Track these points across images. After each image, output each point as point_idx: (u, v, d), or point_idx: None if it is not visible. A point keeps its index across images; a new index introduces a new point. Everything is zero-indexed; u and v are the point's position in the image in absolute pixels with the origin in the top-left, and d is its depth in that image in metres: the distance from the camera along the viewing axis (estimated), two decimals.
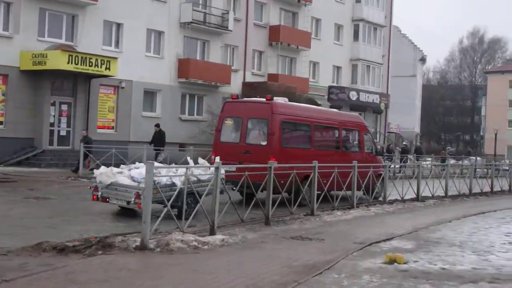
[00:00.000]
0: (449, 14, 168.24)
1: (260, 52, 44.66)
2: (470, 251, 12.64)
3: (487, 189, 29.63)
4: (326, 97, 49.53)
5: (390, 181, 22.45)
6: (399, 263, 10.89)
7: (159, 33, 37.58)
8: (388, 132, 60.66)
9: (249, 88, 41.25)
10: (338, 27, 52.02)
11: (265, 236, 13.33)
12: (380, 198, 22.12)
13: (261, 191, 16.36)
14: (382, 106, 54.60)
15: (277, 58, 45.45)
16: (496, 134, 70.53)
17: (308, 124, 21.59)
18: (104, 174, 15.39)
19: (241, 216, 14.73)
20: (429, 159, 51.11)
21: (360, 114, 52.27)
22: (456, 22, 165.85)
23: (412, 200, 23.10)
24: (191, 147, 31.85)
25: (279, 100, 21.15)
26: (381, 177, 22.31)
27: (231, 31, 40.80)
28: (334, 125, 22.98)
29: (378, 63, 54.74)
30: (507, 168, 36.84)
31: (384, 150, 46.13)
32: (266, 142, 20.06)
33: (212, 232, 12.76)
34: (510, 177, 32.35)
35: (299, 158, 19.90)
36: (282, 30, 45.20)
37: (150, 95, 37.30)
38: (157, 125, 32.93)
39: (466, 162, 46.91)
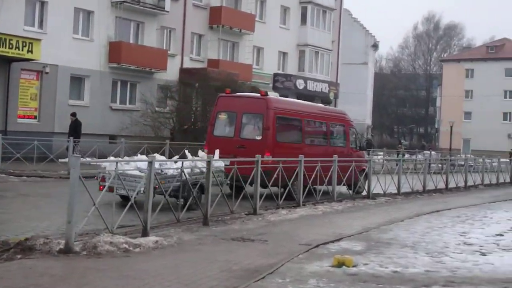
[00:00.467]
0: None
1: (200, 36, 44.44)
2: (423, 253, 12.75)
3: (441, 185, 29.94)
4: (271, 85, 49.50)
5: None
6: (348, 266, 10.92)
7: (88, 13, 37.01)
8: None
9: (187, 75, 41.21)
10: (285, 10, 52.18)
11: (202, 237, 13.26)
12: (364, 193, 23.93)
13: (250, 184, 18.05)
14: (331, 95, 54.85)
15: (218, 42, 45.23)
16: (451, 127, 70.94)
17: (299, 119, 23.67)
18: (111, 164, 16.27)
19: (177, 216, 14.59)
20: (381, 153, 51.56)
21: None
22: (412, 6, 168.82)
23: (363, 197, 23.35)
24: (123, 139, 31.49)
25: (273, 95, 23.14)
26: (364, 172, 24.37)
27: (167, 12, 40.45)
28: (322, 120, 25.13)
29: (327, 49, 55.08)
30: (462, 163, 37.40)
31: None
32: (261, 137, 22.01)
33: (144, 234, 12.61)
34: (466, 173, 32.78)
35: (292, 153, 21.25)
36: (224, 12, 45.01)
37: (77, 81, 36.70)
38: (73, 114, 32.41)
39: (420, 157, 47.59)
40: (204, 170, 16.25)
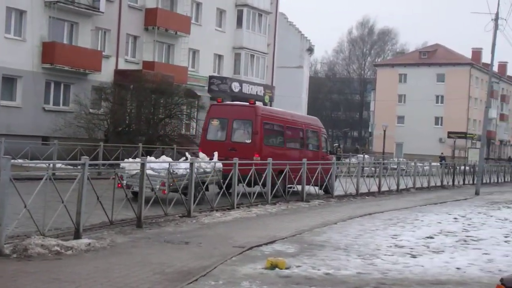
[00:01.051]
0: (339, 2, 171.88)
1: (135, 37, 43.98)
2: (355, 255, 12.91)
3: (374, 188, 30.33)
4: (207, 88, 49.51)
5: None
6: (281, 268, 10.99)
7: (21, 12, 36.29)
8: None
9: (122, 77, 40.81)
10: (221, 12, 51.97)
11: (136, 239, 13.21)
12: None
13: (247, 184, 21.33)
14: (267, 99, 54.90)
15: (153, 44, 44.81)
16: (385, 131, 71.78)
17: (282, 125, 26.99)
18: (131, 164, 19.39)
19: (110, 218, 14.39)
20: None
21: None
22: (347, 11, 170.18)
23: (297, 200, 23.44)
24: (56, 141, 30.80)
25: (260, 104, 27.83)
26: (329, 173, 27.13)
27: (102, 13, 39.92)
28: (300, 127, 28.46)
29: (262, 53, 55.11)
30: (395, 166, 37.83)
31: None
32: (250, 140, 25.07)
33: (77, 236, 12.46)
34: (398, 177, 33.15)
35: (276, 155, 24.70)
36: (159, 14, 44.57)
37: (9, 81, 35.92)
38: None
39: (353, 160, 47.79)
40: (207, 170, 20.18)
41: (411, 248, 14.14)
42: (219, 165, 21.15)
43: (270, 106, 55.75)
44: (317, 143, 29.48)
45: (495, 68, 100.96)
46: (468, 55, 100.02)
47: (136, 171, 17.52)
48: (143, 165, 15.55)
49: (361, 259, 12.51)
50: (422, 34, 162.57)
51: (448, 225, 18.81)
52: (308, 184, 24.82)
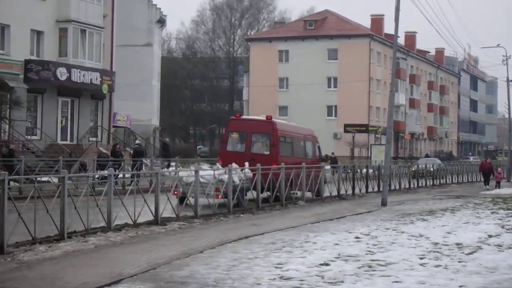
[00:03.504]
0: None
1: None
2: None
3: (252, 204, 30.37)
4: (22, 76, 48.30)
5: (117, 198, 22.35)
6: None
7: None
8: (114, 126, 60.45)
9: None
10: None
11: None
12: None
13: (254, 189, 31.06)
14: (105, 88, 53.92)
15: None
16: None
17: (291, 137, 37.98)
18: (186, 173, 29.21)
19: None
20: (174, 163, 50.38)
21: (73, 100, 52.53)
22: None
23: (149, 223, 23.30)
24: None
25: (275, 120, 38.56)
26: (319, 178, 36.98)
27: None
28: (303, 138, 40.00)
29: (97, 27, 54.23)
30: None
31: (110, 154, 47.25)
32: (268, 152, 35.49)
33: None
34: (282, 186, 32.51)
35: (288, 164, 33.91)
36: None
37: None
38: None
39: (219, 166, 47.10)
40: (245, 178, 30.48)
41: (301, 280, 14.25)
42: (248, 172, 31.25)
43: (109, 98, 56.59)
44: (313, 152, 41.02)
45: (401, 41, 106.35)
46: (367, 24, 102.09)
47: (192, 179, 27.11)
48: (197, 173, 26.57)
49: None
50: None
51: (348, 246, 19.15)
52: (298, 189, 35.10)
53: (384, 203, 34.76)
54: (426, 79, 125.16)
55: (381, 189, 39.58)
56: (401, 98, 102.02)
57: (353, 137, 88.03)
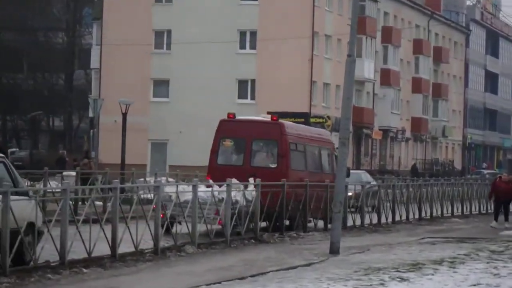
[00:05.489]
0: None
1: None
2: None
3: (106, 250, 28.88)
4: None
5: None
6: None
7: None
8: None
9: None
10: None
11: None
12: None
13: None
14: None
15: None
16: (125, 115, 60.72)
17: (304, 144, 38.43)
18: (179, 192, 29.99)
19: None
20: None
21: None
22: None
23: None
24: None
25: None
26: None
27: None
28: (317, 145, 40.50)
29: None
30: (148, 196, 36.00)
31: None
32: (276, 165, 36.05)
33: None
34: (158, 222, 31.43)
35: (301, 181, 36.11)
36: None
37: None
38: None
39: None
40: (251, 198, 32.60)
41: None
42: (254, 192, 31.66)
43: None
44: (330, 164, 40.93)
45: None
46: None
47: (185, 198, 29.54)
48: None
49: None
50: None
51: None
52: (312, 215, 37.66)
53: (335, 250, 31.70)
54: (411, 36, 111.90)
55: (330, 225, 36.74)
56: (368, 69, 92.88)
57: None
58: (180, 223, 32.61)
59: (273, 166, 35.50)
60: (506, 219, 46.54)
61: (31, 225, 25.05)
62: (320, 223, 40.45)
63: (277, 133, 35.50)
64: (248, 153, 36.65)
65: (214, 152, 37.10)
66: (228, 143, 37.05)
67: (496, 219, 46.35)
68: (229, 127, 37.61)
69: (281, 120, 37.44)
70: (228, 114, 38.39)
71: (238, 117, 40.62)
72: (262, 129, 36.21)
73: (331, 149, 42.09)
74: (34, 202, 26.51)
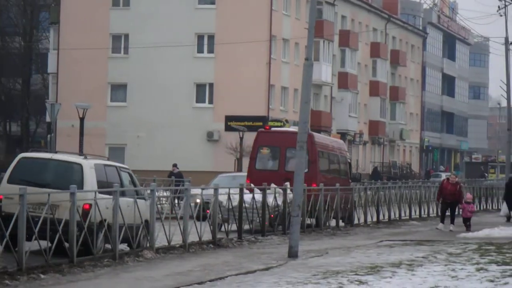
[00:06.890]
0: None
1: None
2: None
3: None
4: None
5: None
6: None
7: None
8: None
9: None
10: None
11: None
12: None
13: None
14: None
15: None
16: (82, 120, 64.68)
17: (328, 152, 44.90)
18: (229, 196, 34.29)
19: None
20: None
21: None
22: None
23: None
24: None
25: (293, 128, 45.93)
26: (349, 201, 44.36)
27: None
28: (336, 153, 46.80)
29: None
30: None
31: None
32: (307, 169, 39.04)
33: None
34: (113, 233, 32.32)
35: (326, 184, 41.69)
36: None
37: None
38: None
39: None
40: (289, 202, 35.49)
41: None
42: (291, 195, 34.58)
43: None
44: (346, 169, 47.57)
45: None
46: None
47: (235, 203, 34.21)
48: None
49: None
50: None
51: None
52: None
53: (293, 254, 32.39)
54: (369, 40, 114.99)
55: (288, 229, 37.85)
56: (326, 72, 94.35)
57: (241, 138, 78.65)
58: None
59: (305, 171, 37.08)
60: (452, 222, 47.88)
61: (146, 222, 30.85)
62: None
63: (308, 143, 37.45)
64: (283, 159, 42.32)
65: (253, 158, 42.94)
66: (265, 150, 42.82)
67: (442, 221, 47.86)
68: (266, 137, 43.84)
69: (310, 131, 40.12)
70: (265, 126, 46.08)
71: (278, 128, 50.96)
72: (294, 138, 37.41)
73: (346, 157, 47.99)
74: (149, 203, 31.89)
